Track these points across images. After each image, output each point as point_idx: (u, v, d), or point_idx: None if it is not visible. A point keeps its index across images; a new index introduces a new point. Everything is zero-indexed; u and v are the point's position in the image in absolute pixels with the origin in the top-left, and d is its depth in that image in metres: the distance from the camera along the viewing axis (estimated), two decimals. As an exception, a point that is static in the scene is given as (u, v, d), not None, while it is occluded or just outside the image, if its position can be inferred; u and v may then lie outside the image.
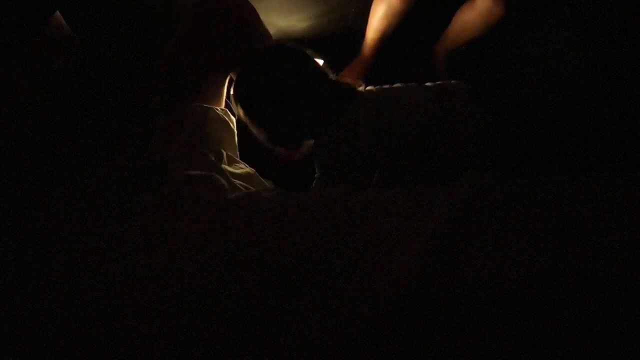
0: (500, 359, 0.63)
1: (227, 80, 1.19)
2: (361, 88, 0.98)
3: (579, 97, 1.09)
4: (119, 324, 0.64)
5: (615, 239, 0.68)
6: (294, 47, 0.99)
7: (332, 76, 0.99)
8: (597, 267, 0.66)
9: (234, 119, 1.19)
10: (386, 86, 0.98)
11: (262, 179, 1.07)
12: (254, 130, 0.97)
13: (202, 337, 0.64)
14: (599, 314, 0.63)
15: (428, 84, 0.98)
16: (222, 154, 1.03)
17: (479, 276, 0.68)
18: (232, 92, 1.10)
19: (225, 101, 1.21)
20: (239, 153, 1.14)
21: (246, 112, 0.95)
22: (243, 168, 1.05)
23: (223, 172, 0.98)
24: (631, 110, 1.06)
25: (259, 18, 1.19)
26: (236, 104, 0.98)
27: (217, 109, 1.13)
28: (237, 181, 0.96)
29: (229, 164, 1.05)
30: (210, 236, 0.75)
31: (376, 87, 0.98)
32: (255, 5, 1.17)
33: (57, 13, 1.00)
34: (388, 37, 1.28)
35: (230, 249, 0.73)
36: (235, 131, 1.17)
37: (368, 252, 0.72)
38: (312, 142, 0.97)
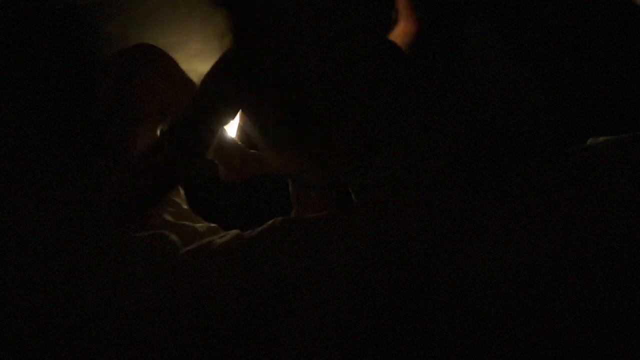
0: (500, 357, 0.63)
1: (158, 134, 1.15)
2: None
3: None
4: (118, 324, 0.64)
5: (615, 238, 0.68)
6: None
7: None
8: (597, 265, 0.66)
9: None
10: None
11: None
12: None
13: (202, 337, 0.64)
14: (598, 312, 0.63)
15: None
16: (175, 207, 0.99)
17: (478, 275, 0.68)
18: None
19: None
20: None
21: None
22: (201, 222, 1.02)
23: (177, 227, 0.95)
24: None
25: (179, 67, 1.18)
26: None
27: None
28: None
29: (181, 218, 1.01)
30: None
31: None
32: (174, 55, 1.16)
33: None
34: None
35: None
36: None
37: (367, 252, 0.72)
38: None
